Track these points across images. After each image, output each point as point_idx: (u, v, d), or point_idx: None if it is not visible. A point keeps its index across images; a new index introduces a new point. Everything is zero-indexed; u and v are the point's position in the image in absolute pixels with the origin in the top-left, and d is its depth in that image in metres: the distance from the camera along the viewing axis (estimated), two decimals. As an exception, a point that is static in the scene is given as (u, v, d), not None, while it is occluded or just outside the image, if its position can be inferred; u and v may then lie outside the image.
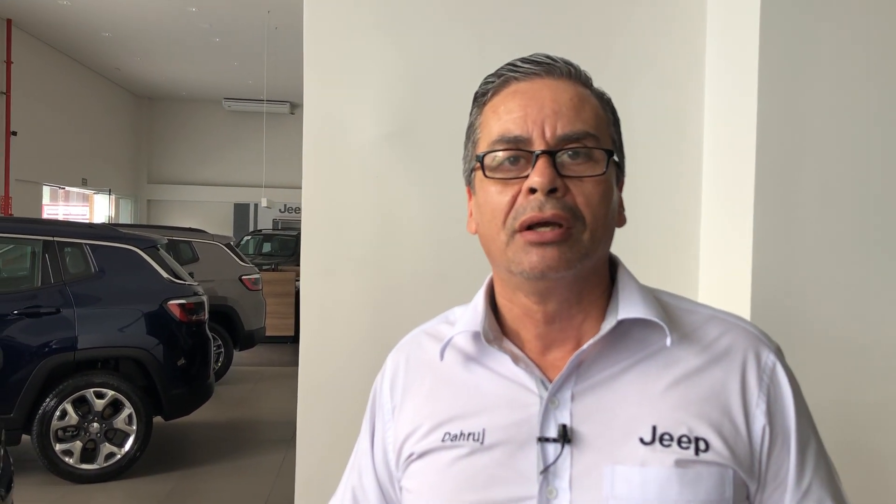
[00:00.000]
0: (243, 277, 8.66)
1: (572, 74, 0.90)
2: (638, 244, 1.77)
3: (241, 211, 20.73)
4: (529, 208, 0.84)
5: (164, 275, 5.60)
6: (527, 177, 0.85)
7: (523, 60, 0.90)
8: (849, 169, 1.71)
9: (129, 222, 18.65)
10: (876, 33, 1.67)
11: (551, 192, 0.83)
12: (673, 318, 0.90)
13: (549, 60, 0.89)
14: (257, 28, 12.89)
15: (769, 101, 1.67)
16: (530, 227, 0.84)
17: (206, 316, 5.86)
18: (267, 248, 14.23)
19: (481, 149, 0.90)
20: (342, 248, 1.72)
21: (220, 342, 8.39)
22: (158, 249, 5.86)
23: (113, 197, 18.59)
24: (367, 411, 1.04)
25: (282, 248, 14.05)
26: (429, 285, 1.74)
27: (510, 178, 0.86)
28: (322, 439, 1.74)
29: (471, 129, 0.95)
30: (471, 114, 0.95)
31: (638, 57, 1.83)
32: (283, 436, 6.31)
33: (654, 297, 0.92)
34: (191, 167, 20.79)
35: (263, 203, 15.69)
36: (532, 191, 0.84)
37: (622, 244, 1.85)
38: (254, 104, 18.71)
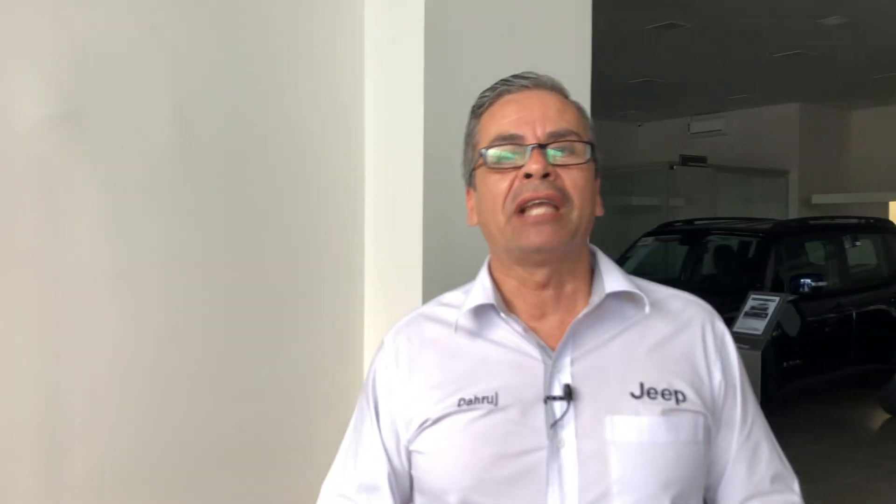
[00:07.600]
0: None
1: (555, 87, 1.10)
2: (308, 238, 1.81)
3: None
4: (525, 190, 1.02)
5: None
6: (523, 167, 1.03)
7: (514, 76, 1.10)
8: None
9: None
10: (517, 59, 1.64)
11: (545, 176, 1.01)
12: (644, 293, 1.09)
13: (535, 76, 1.10)
14: None
15: (433, 107, 1.70)
16: (524, 210, 1.01)
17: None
18: None
19: (482, 146, 1.07)
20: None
21: None
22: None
23: None
24: (366, 393, 1.14)
25: None
26: (108, 279, 1.57)
27: (508, 169, 1.04)
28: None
29: (470, 137, 1.13)
30: (468, 125, 1.14)
31: (301, 58, 1.81)
32: None
33: (629, 277, 1.12)
34: None
35: None
36: (527, 176, 1.02)
37: (288, 238, 1.76)
38: None
